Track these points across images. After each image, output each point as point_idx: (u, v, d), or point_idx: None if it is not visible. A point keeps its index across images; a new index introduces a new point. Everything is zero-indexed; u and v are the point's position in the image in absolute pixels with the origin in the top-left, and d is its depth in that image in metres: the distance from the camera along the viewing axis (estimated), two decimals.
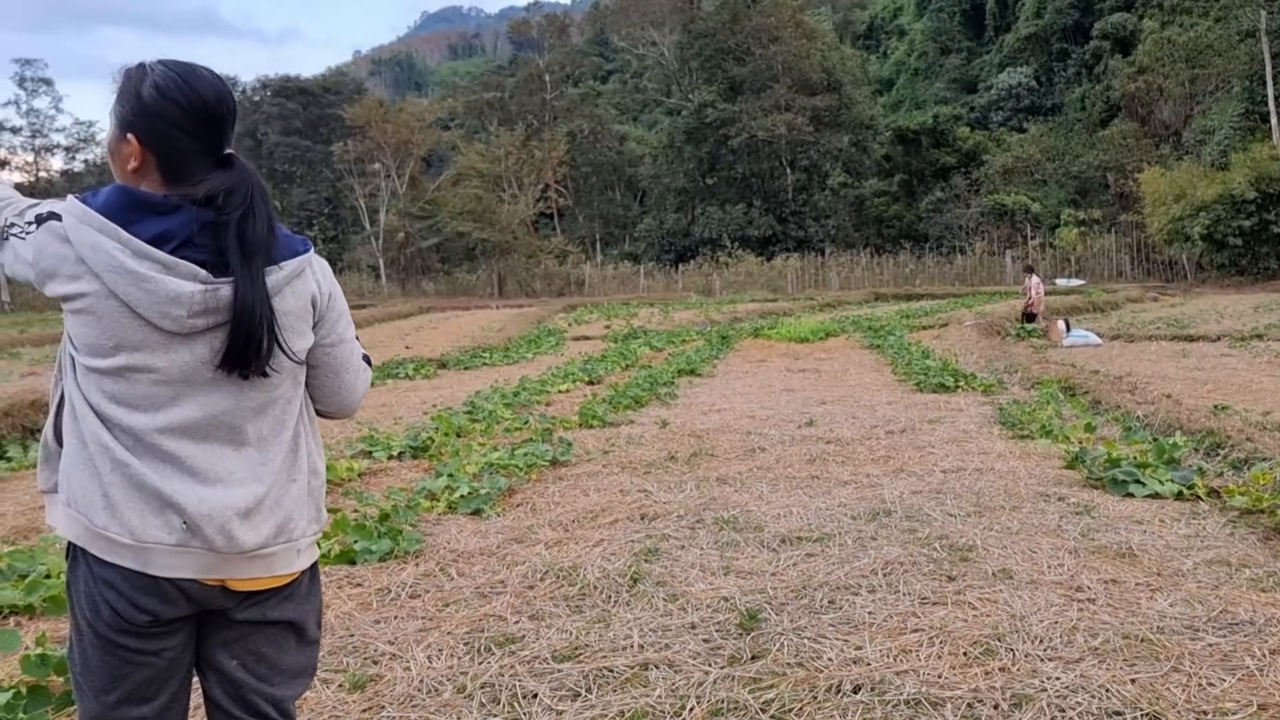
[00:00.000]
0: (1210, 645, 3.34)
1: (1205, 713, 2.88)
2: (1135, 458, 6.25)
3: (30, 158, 62.35)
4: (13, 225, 1.74)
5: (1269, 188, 33.87)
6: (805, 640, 3.50)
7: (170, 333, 1.69)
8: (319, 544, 2.00)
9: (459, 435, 8.36)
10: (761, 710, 2.99)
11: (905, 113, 61.94)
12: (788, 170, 53.06)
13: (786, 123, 50.49)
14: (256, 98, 62.28)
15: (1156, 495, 5.60)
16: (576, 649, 3.50)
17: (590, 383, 13.13)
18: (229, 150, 1.83)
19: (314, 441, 1.92)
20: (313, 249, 1.89)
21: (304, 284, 1.83)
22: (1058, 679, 3.10)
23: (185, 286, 1.67)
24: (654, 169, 59.08)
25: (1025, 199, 47.22)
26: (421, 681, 3.28)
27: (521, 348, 19.53)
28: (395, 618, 3.92)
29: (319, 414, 1.98)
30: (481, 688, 3.21)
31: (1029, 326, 19.25)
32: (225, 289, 1.70)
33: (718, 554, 4.63)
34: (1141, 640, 3.38)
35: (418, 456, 7.63)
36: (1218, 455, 6.47)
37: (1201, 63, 45.41)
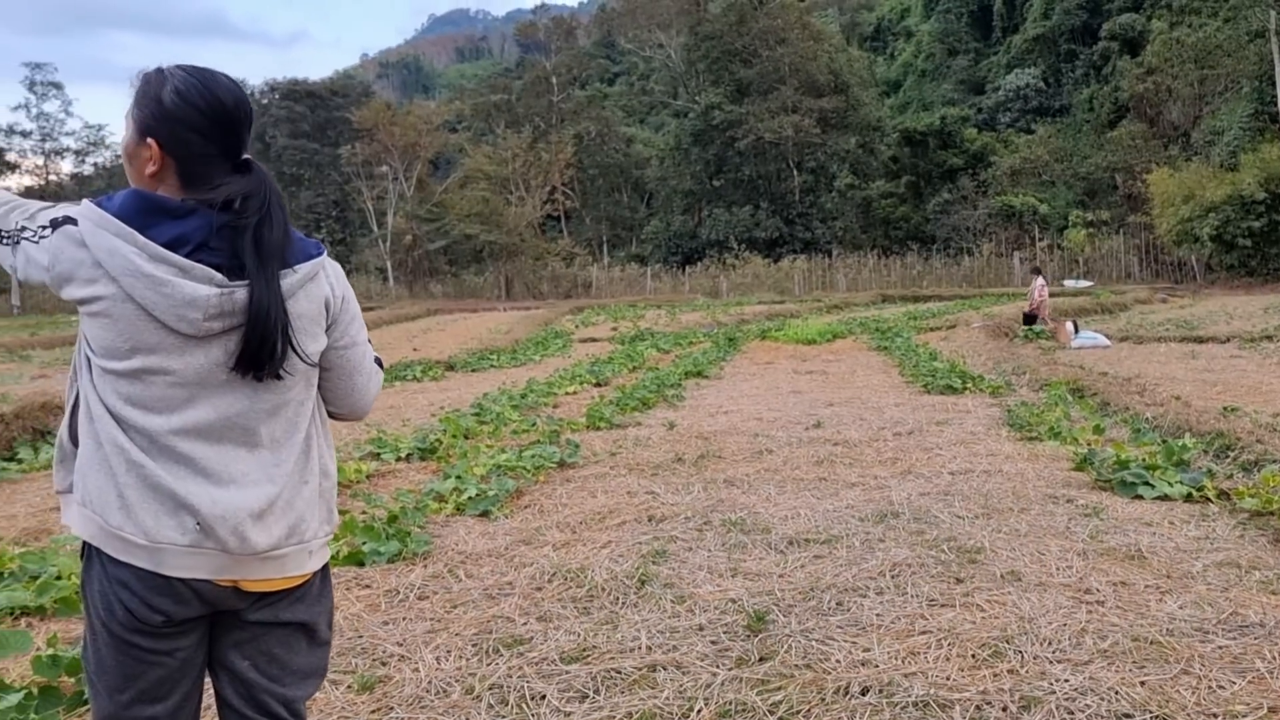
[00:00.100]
0: (1220, 648, 3.33)
1: (1215, 715, 2.87)
2: (1144, 459, 6.23)
3: (40, 161, 62.60)
4: (24, 229, 1.74)
5: (1279, 188, 33.75)
6: (813, 642, 3.50)
7: (186, 335, 1.71)
8: (329, 545, 2.01)
9: (467, 437, 8.37)
10: (769, 712, 2.99)
11: (912, 114, 61.85)
12: (794, 172, 53.04)
13: (793, 124, 50.50)
14: (264, 101, 62.44)
15: (1166, 497, 5.58)
16: (584, 650, 3.50)
17: (597, 384, 13.14)
18: (246, 155, 1.84)
19: (325, 443, 1.93)
20: (326, 252, 1.90)
21: (317, 287, 1.84)
22: (1067, 681, 3.09)
23: (201, 290, 1.68)
24: (661, 171, 59.12)
25: (1033, 200, 47.14)
26: (430, 683, 3.28)
27: (529, 350, 19.55)
28: (404, 619, 3.93)
29: (331, 416, 2.00)
30: (490, 689, 3.22)
31: (1035, 328, 19.20)
32: (240, 292, 1.71)
33: (725, 556, 4.63)
34: (1151, 642, 3.38)
35: (426, 458, 7.64)
36: (1227, 457, 6.45)
37: (1210, 63, 45.27)
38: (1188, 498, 5.54)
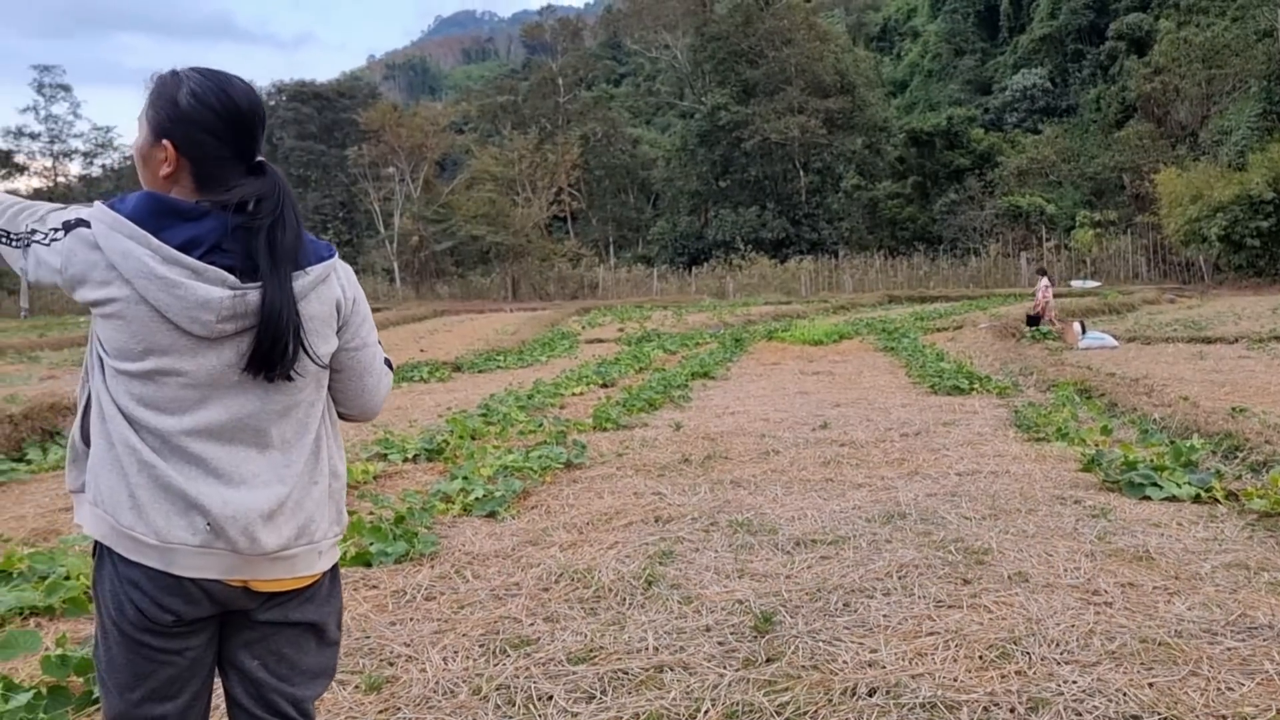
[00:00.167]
0: (1229, 649, 3.32)
1: (1224, 717, 2.86)
2: (1152, 460, 6.21)
3: (49, 163, 62.86)
4: (34, 232, 1.75)
5: None
6: (820, 643, 3.50)
7: (198, 337, 1.72)
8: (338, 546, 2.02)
9: (474, 438, 8.38)
10: (776, 713, 2.99)
11: (919, 115, 61.77)
12: (801, 173, 53.00)
13: (800, 125, 50.46)
14: (271, 102, 62.58)
15: (1174, 498, 5.57)
16: (591, 651, 3.50)
17: (604, 385, 13.15)
18: (259, 157, 1.85)
19: (335, 444, 1.94)
20: (337, 254, 1.91)
21: (329, 289, 1.86)
22: (1074, 683, 3.08)
23: (214, 292, 1.69)
24: (667, 172, 59.12)
25: (1040, 200, 47.03)
26: (437, 683, 3.29)
27: (535, 351, 19.56)
28: (411, 619, 3.94)
29: (341, 417, 2.01)
30: (497, 689, 3.22)
31: (1042, 329, 19.15)
32: (253, 294, 1.72)
33: (732, 557, 4.63)
34: (1159, 644, 3.37)
35: (433, 459, 7.65)
36: (1236, 458, 6.43)
37: (1218, 63, 45.13)
38: (1196, 499, 5.53)
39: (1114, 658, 3.28)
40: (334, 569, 1.95)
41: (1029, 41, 61.62)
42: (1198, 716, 2.86)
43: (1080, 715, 2.89)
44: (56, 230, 1.73)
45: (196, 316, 1.69)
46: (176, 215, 1.72)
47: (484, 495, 5.93)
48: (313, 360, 1.83)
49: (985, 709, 2.95)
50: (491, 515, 5.66)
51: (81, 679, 3.27)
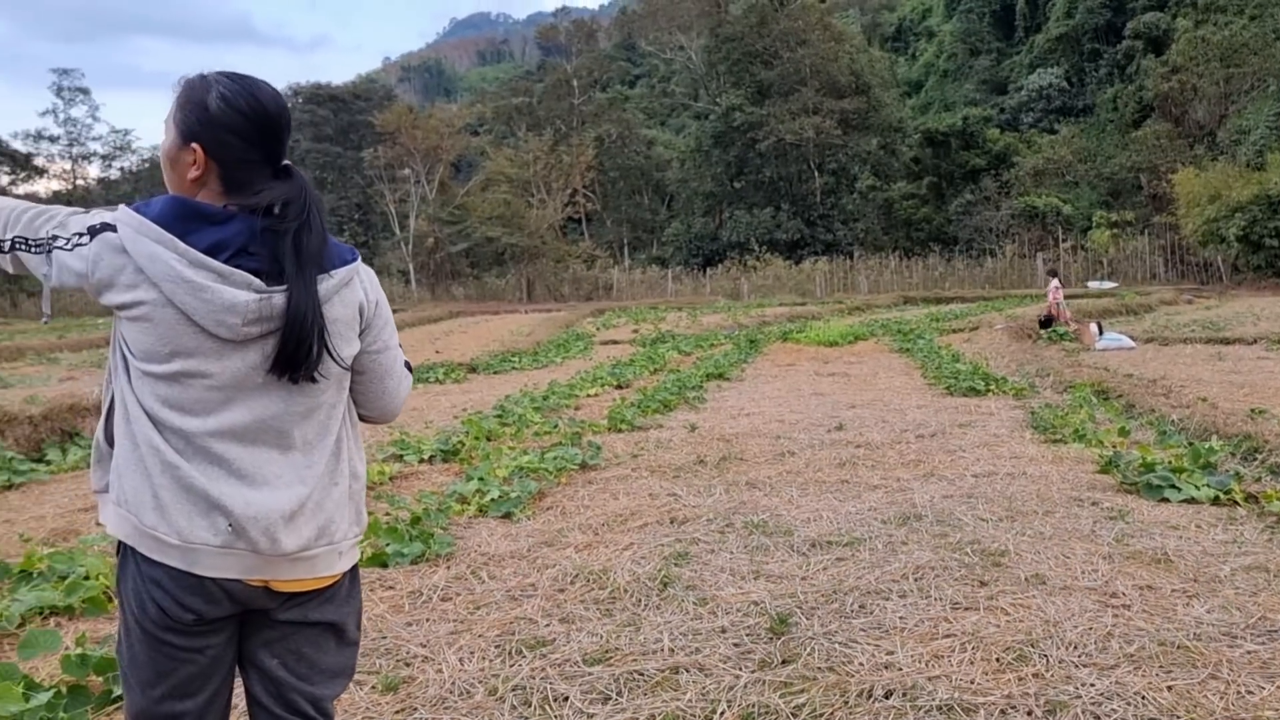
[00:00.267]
0: (1249, 653, 3.30)
1: None
2: (1170, 462, 6.17)
3: (68, 166, 63.35)
4: (55, 238, 1.75)
5: None
6: (836, 645, 3.49)
7: (224, 340, 1.73)
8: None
9: (489, 439, 8.40)
10: (792, 715, 2.98)
11: (934, 115, 61.56)
12: (816, 173, 52.91)
13: (814, 126, 50.38)
14: (288, 105, 62.89)
15: (1192, 500, 5.53)
16: (607, 652, 3.51)
17: (619, 387, 13.15)
18: (286, 161, 1.87)
19: (355, 446, 1.96)
20: (360, 258, 1.93)
21: (352, 292, 1.87)
22: (1092, 686, 3.07)
23: (240, 296, 1.71)
24: (682, 173, 59.11)
25: (1056, 201, 46.80)
26: (453, 683, 3.30)
27: (550, 352, 19.59)
28: (427, 620, 3.95)
29: (361, 419, 2.02)
30: (513, 690, 3.23)
31: (1059, 329, 19.06)
32: (278, 297, 1.74)
33: (747, 558, 4.63)
34: (1178, 647, 3.35)
35: (448, 460, 7.67)
36: (1255, 460, 6.38)
37: (1236, 61, 44.84)
38: (1215, 501, 5.49)
39: (1132, 660, 3.26)
40: (354, 569, 1.97)
41: (1045, 41, 61.35)
42: None
43: (1098, 718, 2.88)
44: (81, 235, 1.74)
45: (223, 320, 1.71)
46: (202, 219, 1.73)
47: (499, 496, 5.94)
48: (336, 362, 1.84)
49: (1002, 711, 2.94)
50: (507, 516, 5.67)
51: (101, 678, 3.29)
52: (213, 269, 1.70)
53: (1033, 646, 3.39)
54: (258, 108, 1.81)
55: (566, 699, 3.15)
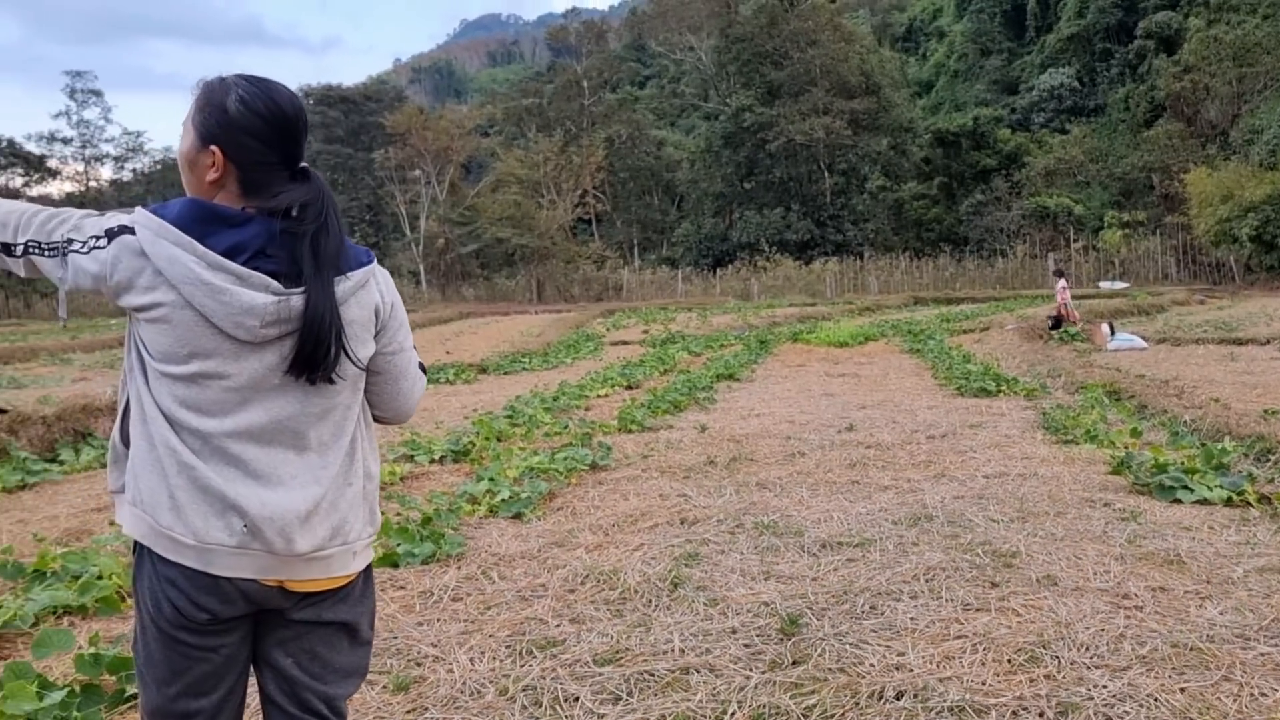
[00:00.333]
0: (1262, 654, 3.28)
1: None
2: (1183, 463, 6.15)
3: (80, 167, 63.71)
4: (71, 241, 1.76)
5: None
6: (847, 646, 3.49)
7: (242, 341, 1.75)
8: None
9: (499, 439, 8.41)
10: (803, 716, 2.98)
11: (945, 115, 61.41)
12: (826, 174, 52.84)
13: (825, 126, 50.32)
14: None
15: (1205, 501, 5.51)
16: (617, 653, 3.51)
17: (629, 387, 13.16)
18: (303, 163, 1.88)
19: (369, 446, 1.97)
20: (375, 260, 1.94)
21: (368, 294, 1.88)
22: (1105, 687, 3.06)
23: (259, 298, 1.72)
24: (692, 174, 59.10)
25: (1068, 201, 46.65)
26: (464, 683, 3.30)
27: (560, 353, 19.61)
28: (438, 620, 3.96)
29: (376, 419, 2.03)
30: (523, 690, 3.24)
31: (1070, 329, 18.99)
32: (296, 299, 1.75)
33: (758, 559, 4.62)
34: (1191, 649, 3.33)
35: (459, 460, 7.69)
36: (1268, 461, 6.35)
37: (1249, 61, 44.60)
38: (1228, 502, 5.47)
39: (1145, 662, 3.24)
40: (367, 570, 1.98)
41: (1056, 41, 61.14)
42: None
43: None
44: (98, 238, 1.74)
45: (241, 322, 1.72)
46: (221, 221, 1.74)
47: (510, 497, 5.95)
48: (353, 363, 1.85)
49: (1014, 713, 2.93)
50: (517, 516, 5.68)
51: (114, 677, 3.31)
52: (231, 271, 1.71)
53: (1044, 648, 3.38)
54: (276, 110, 1.82)
55: (577, 699, 3.15)
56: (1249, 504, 5.40)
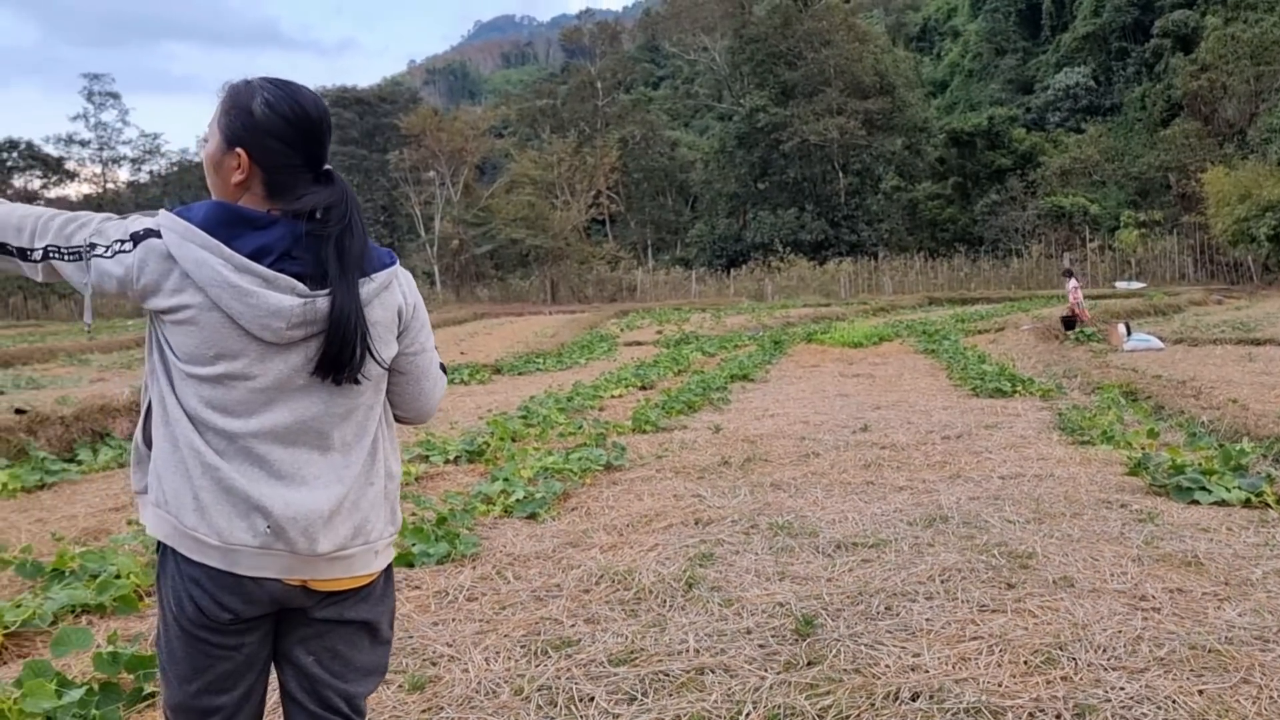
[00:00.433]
0: None
1: None
2: (1200, 464, 6.11)
3: (98, 170, 64.14)
4: (94, 246, 1.77)
5: None
6: (862, 647, 3.48)
7: (268, 343, 1.76)
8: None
9: (514, 440, 8.43)
10: (818, 717, 2.98)
11: (959, 115, 61.18)
12: (840, 174, 52.72)
13: (839, 126, 50.20)
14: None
15: (1223, 502, 5.47)
16: (632, 653, 3.51)
17: (643, 388, 13.16)
18: (327, 166, 1.89)
19: (391, 446, 1.98)
20: (398, 262, 1.95)
21: (391, 295, 1.90)
22: (1122, 689, 3.04)
23: (285, 300, 1.74)
24: (705, 174, 59.06)
25: (1083, 201, 46.41)
26: (479, 683, 3.31)
27: (574, 353, 19.63)
28: (453, 620, 3.97)
29: (397, 419, 2.05)
30: (539, 690, 3.24)
31: (1086, 330, 18.89)
32: (321, 301, 1.76)
33: (772, 559, 4.62)
34: (1209, 651, 3.31)
35: (474, 461, 7.70)
36: None
37: (1267, 59, 44.28)
38: (1246, 503, 5.43)
39: (1163, 664, 3.23)
40: (388, 569, 2.00)
41: (1072, 40, 60.85)
42: None
43: None
44: (123, 242, 1.76)
45: (268, 324, 1.73)
46: (246, 224, 1.76)
47: (524, 497, 5.96)
48: (378, 364, 1.87)
49: (1031, 715, 2.92)
50: (532, 517, 5.69)
51: (132, 676, 3.33)
52: (258, 274, 1.72)
53: (1061, 649, 3.36)
54: (300, 113, 1.83)
55: (592, 699, 3.15)
56: (1268, 505, 5.36)
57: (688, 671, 3.33)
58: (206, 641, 1.82)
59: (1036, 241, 45.37)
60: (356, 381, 1.84)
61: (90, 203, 59.62)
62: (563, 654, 3.53)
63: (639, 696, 3.16)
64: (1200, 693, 3.00)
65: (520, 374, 16.32)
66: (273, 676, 1.97)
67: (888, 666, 3.30)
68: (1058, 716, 2.90)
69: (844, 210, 52.37)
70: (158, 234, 1.74)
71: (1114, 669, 3.20)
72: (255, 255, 1.73)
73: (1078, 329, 19.02)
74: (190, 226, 1.73)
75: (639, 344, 22.04)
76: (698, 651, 3.49)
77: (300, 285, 1.75)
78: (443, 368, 2.10)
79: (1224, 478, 5.80)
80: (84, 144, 63.16)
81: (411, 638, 3.76)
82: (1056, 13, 65.12)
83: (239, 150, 1.80)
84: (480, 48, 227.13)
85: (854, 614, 3.82)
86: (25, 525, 6.08)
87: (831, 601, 3.97)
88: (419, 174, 53.08)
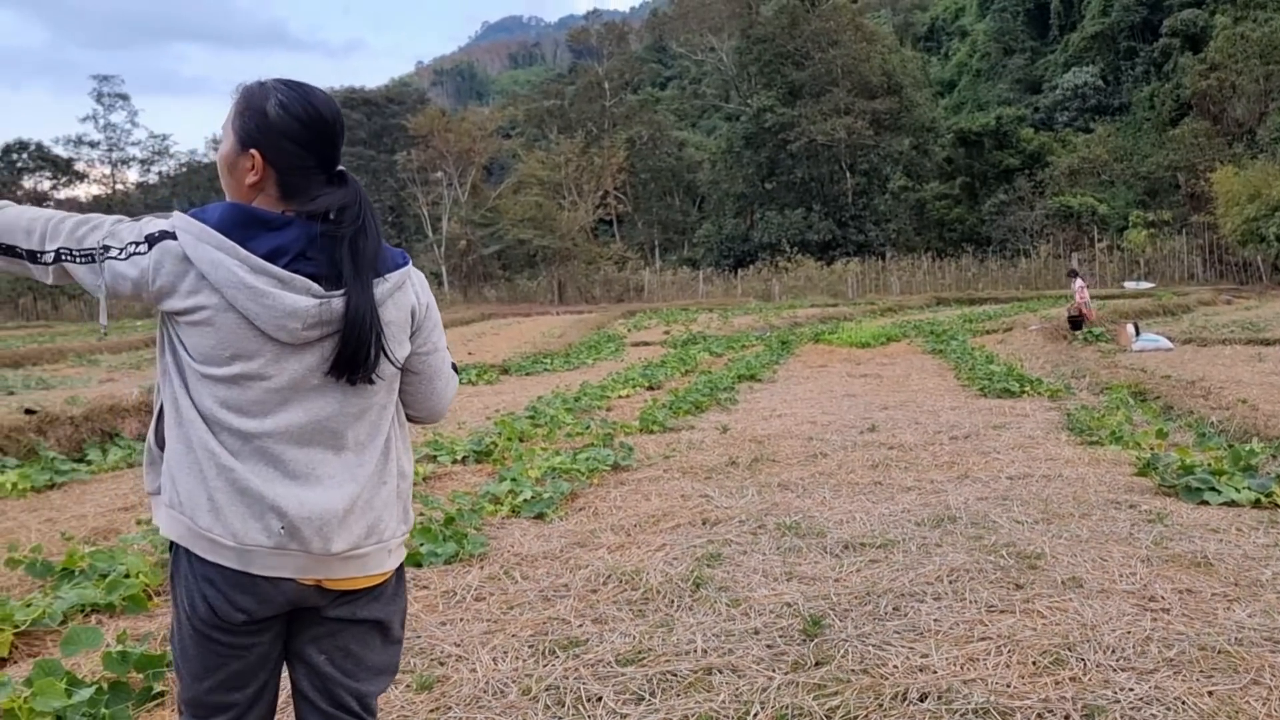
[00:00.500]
0: None
1: None
2: (1210, 464, 6.09)
3: (107, 170, 64.39)
4: (108, 248, 1.77)
5: None
6: (870, 647, 3.47)
7: (284, 343, 1.77)
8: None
9: (521, 440, 8.43)
10: (826, 717, 2.97)
11: (967, 115, 61.11)
12: (847, 174, 52.67)
13: (846, 126, 50.16)
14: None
15: (1233, 503, 5.45)
16: (640, 653, 3.51)
17: (650, 388, 13.16)
18: (340, 166, 1.90)
19: (403, 445, 1.99)
20: (411, 262, 1.96)
21: (405, 295, 1.91)
22: (1131, 690, 3.03)
23: (301, 301, 1.74)
24: (713, 174, 59.06)
25: (1092, 200, 46.29)
26: (487, 683, 3.31)
27: (582, 353, 19.64)
28: (461, 620, 3.97)
29: (409, 419, 2.06)
30: (546, 690, 3.24)
31: (1094, 330, 18.83)
32: (337, 301, 1.77)
33: (780, 559, 4.61)
34: (1219, 652, 3.30)
35: (481, 461, 7.71)
36: None
37: (1277, 58, 44.19)
38: (1256, 504, 5.41)
39: (1172, 665, 3.22)
40: (400, 569, 2.01)
41: (1080, 39, 60.71)
42: None
43: None
44: (137, 244, 1.76)
45: (284, 325, 1.74)
46: (261, 225, 1.77)
47: (532, 497, 5.96)
48: (392, 364, 1.88)
49: (1039, 716, 2.91)
50: (540, 517, 5.70)
51: (141, 675, 3.34)
52: (274, 275, 1.73)
53: (1070, 650, 3.35)
54: (314, 114, 1.84)
55: (600, 699, 3.15)
56: (1277, 506, 5.34)
57: (695, 671, 3.33)
58: (219, 642, 1.83)
59: (1044, 241, 45.27)
60: (371, 381, 1.85)
61: (99, 204, 59.86)
62: (570, 654, 3.53)
63: (647, 696, 3.16)
64: (1210, 694, 2.99)
65: (528, 374, 16.33)
66: (283, 675, 1.98)
67: (896, 667, 3.30)
68: (1066, 717, 2.89)
69: (851, 210, 52.32)
70: (173, 235, 1.75)
71: (1123, 670, 3.19)
72: (271, 256, 1.74)
73: (1086, 329, 18.97)
74: (206, 228, 1.73)
75: (646, 344, 22.04)
76: (705, 652, 3.49)
77: (315, 286, 1.76)
78: (454, 367, 2.11)
79: (1233, 478, 5.78)
80: (93, 145, 63.46)
81: (419, 637, 3.76)
82: (1065, 12, 64.97)
83: (253, 151, 1.81)
84: (488, 48, 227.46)
85: (862, 614, 3.81)
86: (35, 525, 6.10)
87: (839, 602, 3.96)
88: (426, 175, 53.19)
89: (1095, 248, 43.98)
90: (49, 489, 7.47)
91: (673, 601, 4.06)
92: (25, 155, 60.99)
